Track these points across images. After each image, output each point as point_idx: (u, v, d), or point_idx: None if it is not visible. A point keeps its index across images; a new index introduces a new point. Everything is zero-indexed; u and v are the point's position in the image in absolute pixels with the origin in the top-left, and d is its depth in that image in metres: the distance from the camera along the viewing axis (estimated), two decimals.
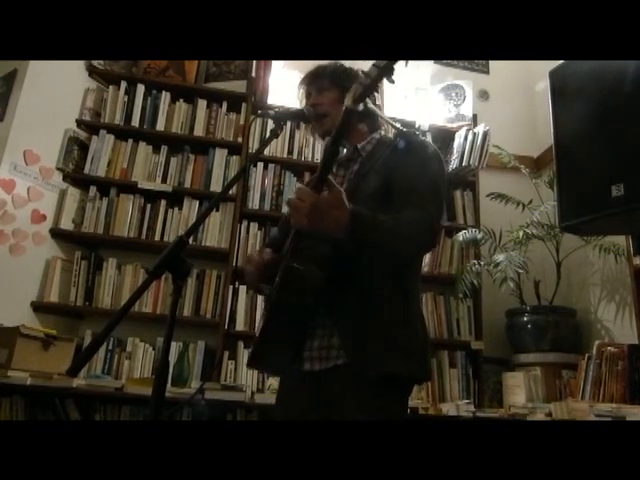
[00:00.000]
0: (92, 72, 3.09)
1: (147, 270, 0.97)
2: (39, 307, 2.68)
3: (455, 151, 3.23)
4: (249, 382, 2.70)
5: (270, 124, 3.07)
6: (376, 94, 1.51)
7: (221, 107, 3.17)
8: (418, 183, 1.29)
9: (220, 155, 3.07)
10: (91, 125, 3.01)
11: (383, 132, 1.52)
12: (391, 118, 3.26)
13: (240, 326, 2.79)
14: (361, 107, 1.18)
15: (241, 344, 2.78)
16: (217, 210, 2.95)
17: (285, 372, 1.43)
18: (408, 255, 1.31)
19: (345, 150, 1.51)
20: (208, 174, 3.03)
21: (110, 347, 2.70)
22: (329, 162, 1.19)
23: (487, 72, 3.76)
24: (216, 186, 3.00)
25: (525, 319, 2.82)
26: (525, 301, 2.91)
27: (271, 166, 3.09)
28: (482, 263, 2.88)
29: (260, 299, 2.82)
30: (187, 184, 3.01)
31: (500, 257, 2.70)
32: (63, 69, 2.86)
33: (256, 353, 1.34)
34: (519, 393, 2.63)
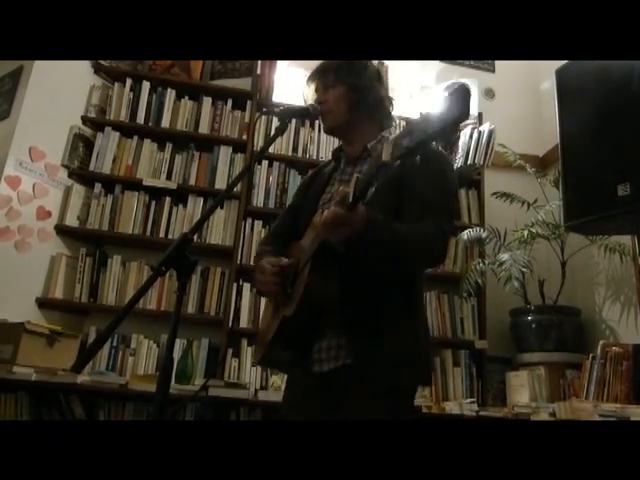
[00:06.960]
0: (97, 69, 3.10)
1: (152, 267, 0.98)
2: (44, 303, 2.69)
3: (460, 149, 3.21)
4: (253, 379, 2.69)
5: (275, 122, 3.07)
6: (387, 88, 1.51)
7: (226, 105, 3.17)
8: (434, 196, 1.29)
9: (225, 153, 3.07)
10: (96, 122, 3.02)
11: (394, 130, 1.50)
12: (396, 117, 3.25)
13: (244, 323, 2.79)
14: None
15: (245, 341, 2.78)
16: (222, 207, 2.95)
17: (295, 370, 1.43)
18: (420, 266, 1.35)
19: (344, 160, 1.51)
20: (213, 171, 3.03)
21: (114, 343, 2.71)
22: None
23: (493, 71, 3.74)
24: (221, 183, 3.00)
25: (529, 318, 2.81)
26: (529, 300, 2.89)
27: (276, 164, 3.09)
28: (486, 262, 2.87)
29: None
30: (192, 181, 3.02)
31: (505, 256, 2.69)
32: (69, 66, 2.86)
33: (266, 355, 1.36)
34: (523, 392, 2.63)
